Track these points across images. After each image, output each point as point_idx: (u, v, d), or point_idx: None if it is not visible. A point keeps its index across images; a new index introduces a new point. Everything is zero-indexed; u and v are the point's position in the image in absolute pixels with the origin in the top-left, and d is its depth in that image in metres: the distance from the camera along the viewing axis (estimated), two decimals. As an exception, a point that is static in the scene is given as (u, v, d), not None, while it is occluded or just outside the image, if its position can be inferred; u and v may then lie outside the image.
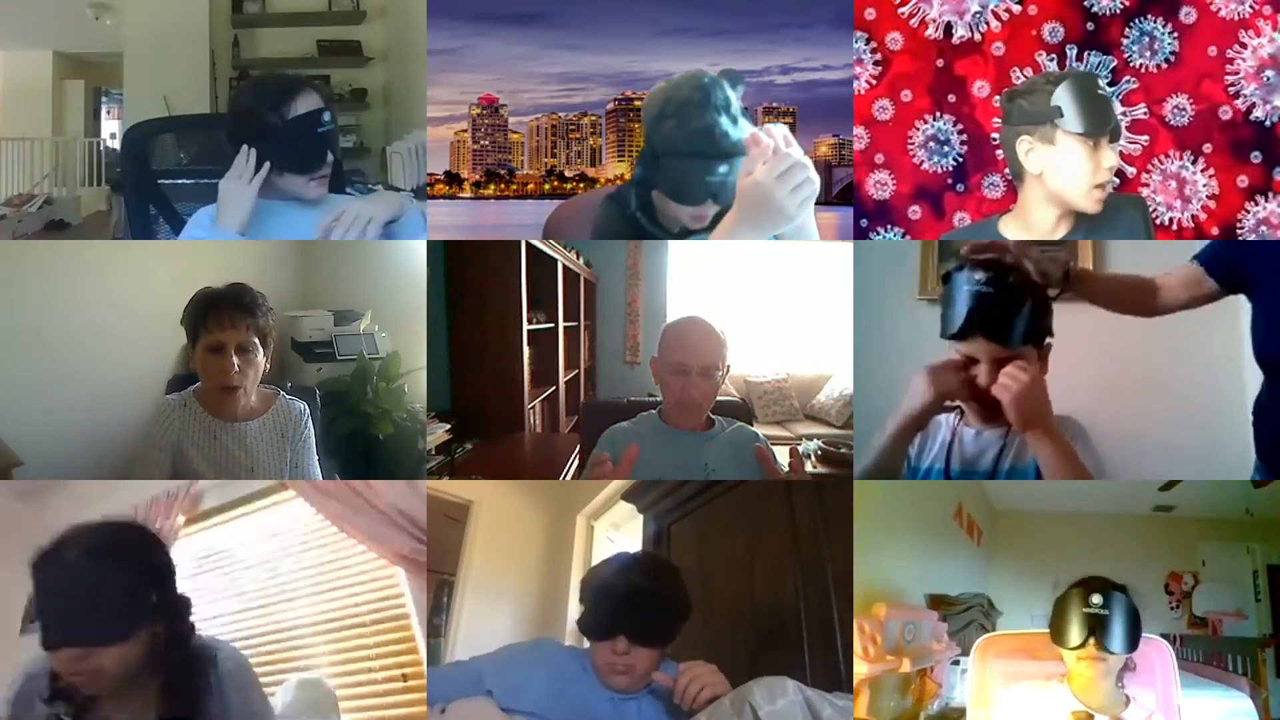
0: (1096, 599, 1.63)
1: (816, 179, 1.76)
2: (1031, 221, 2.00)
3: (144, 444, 2.06)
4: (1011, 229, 2.02)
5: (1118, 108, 1.97)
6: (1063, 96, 1.90)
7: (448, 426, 3.58)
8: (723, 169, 1.79)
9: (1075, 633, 1.63)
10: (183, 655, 1.48)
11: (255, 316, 1.98)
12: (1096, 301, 1.94)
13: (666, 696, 1.58)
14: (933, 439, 1.86)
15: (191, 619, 1.53)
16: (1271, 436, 1.94)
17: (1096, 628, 1.62)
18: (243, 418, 2.06)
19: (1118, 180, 2.01)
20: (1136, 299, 2.02)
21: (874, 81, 2.55)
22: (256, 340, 1.98)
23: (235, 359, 1.96)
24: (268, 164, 1.99)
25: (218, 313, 1.95)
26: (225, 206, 2.00)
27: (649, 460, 2.00)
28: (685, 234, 1.92)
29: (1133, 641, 1.64)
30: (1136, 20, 2.43)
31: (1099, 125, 1.91)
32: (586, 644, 1.76)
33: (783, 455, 2.05)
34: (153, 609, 1.45)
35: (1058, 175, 1.94)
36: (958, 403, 1.81)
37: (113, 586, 1.43)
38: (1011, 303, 1.65)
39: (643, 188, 1.91)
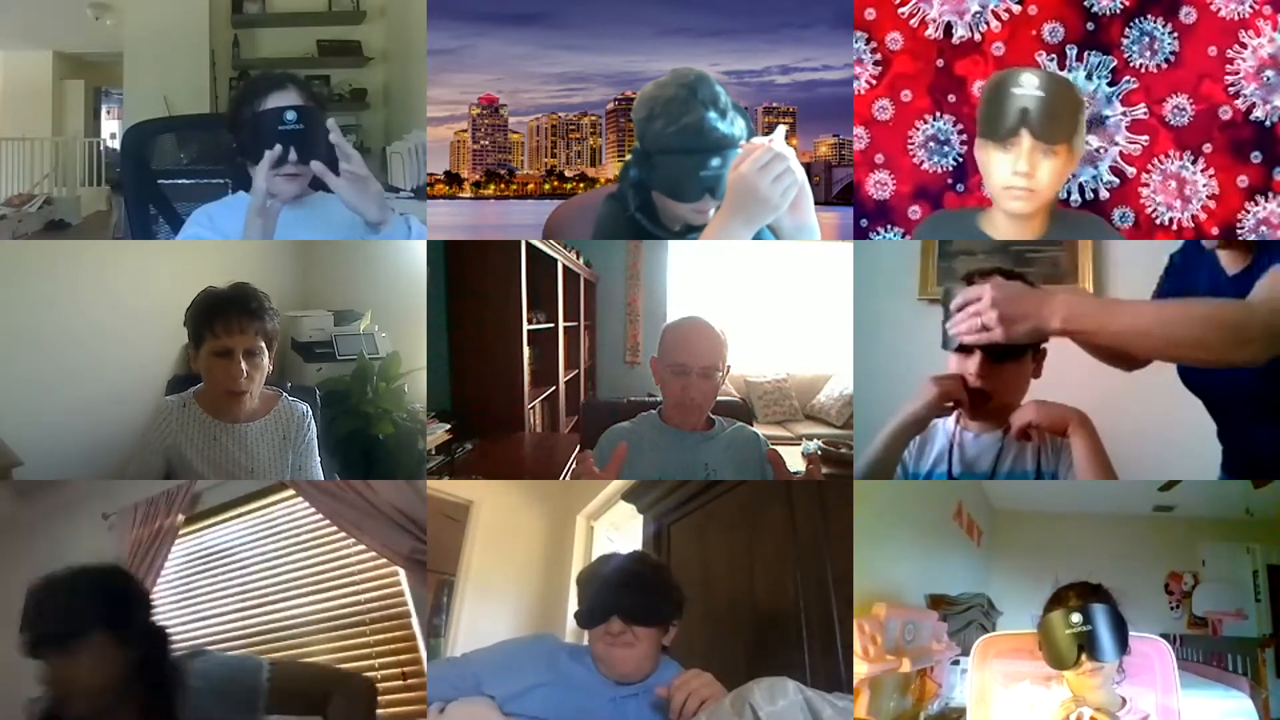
0: (1076, 618, 1.62)
1: (799, 170, 1.78)
2: (995, 221, 1.99)
3: (140, 445, 2.04)
4: (987, 225, 2.01)
5: (1029, 100, 1.82)
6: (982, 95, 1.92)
7: (448, 426, 3.58)
8: (715, 162, 1.80)
9: (1065, 655, 1.63)
10: (159, 679, 1.61)
11: (263, 320, 1.95)
12: (1094, 354, 1.91)
13: (665, 708, 1.57)
14: (932, 443, 1.87)
15: (169, 647, 1.67)
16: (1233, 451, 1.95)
17: (1085, 644, 1.62)
18: (244, 419, 2.04)
19: (1026, 185, 1.87)
20: (1122, 353, 1.98)
21: (874, 81, 2.55)
22: (263, 344, 1.96)
23: (243, 364, 1.93)
24: (262, 179, 1.96)
25: (225, 317, 1.92)
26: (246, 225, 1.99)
27: (649, 460, 2.00)
28: (687, 232, 1.92)
29: (1123, 644, 1.64)
30: (1136, 20, 2.43)
31: (994, 128, 1.87)
32: (586, 640, 1.76)
33: (791, 457, 2.06)
34: (111, 621, 1.60)
35: (983, 176, 1.95)
36: (954, 405, 1.82)
37: (77, 602, 1.62)
38: None
39: (640, 189, 1.91)
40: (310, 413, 2.15)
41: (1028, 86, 1.86)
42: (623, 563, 1.77)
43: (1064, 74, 2.06)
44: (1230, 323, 1.57)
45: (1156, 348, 1.63)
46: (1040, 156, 1.86)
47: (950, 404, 1.77)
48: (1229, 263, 1.88)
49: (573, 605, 3.11)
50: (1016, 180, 1.87)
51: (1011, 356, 1.73)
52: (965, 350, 1.73)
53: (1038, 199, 1.90)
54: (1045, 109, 1.85)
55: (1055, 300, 1.59)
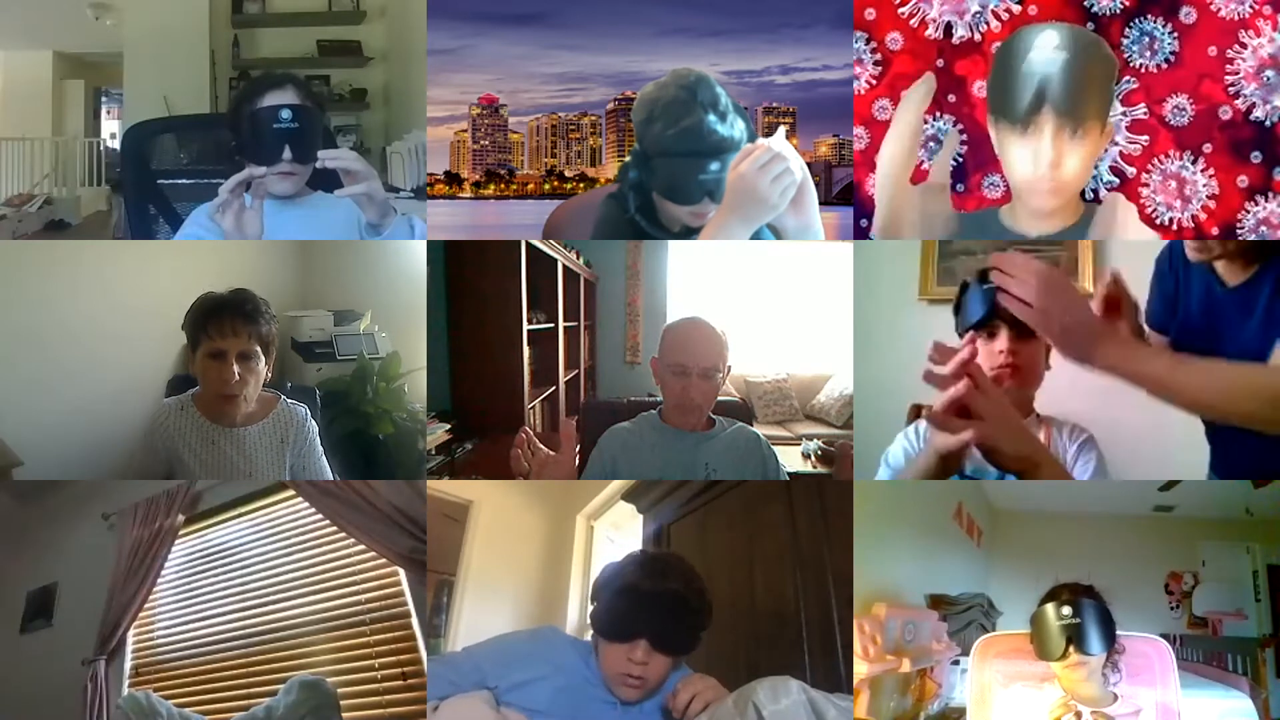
0: (1066, 610, 1.68)
1: (798, 170, 1.76)
2: (1018, 214, 1.85)
3: (141, 447, 2.04)
4: (1010, 219, 1.89)
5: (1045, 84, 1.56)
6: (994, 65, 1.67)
7: (448, 426, 3.58)
8: (714, 166, 1.79)
9: (1053, 646, 1.68)
10: None
11: (258, 324, 1.95)
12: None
13: (668, 712, 1.56)
14: None
15: None
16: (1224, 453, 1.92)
17: (1073, 636, 1.67)
18: (242, 423, 2.03)
19: (1053, 180, 1.64)
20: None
21: (874, 81, 2.55)
22: (258, 348, 1.95)
23: (236, 367, 1.92)
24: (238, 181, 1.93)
25: (219, 320, 1.92)
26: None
27: (649, 460, 2.01)
28: (687, 233, 1.92)
29: (1109, 639, 1.69)
30: (1136, 20, 2.43)
31: (1008, 106, 1.61)
32: (588, 635, 1.73)
33: (791, 457, 2.06)
34: None
35: (1002, 163, 1.74)
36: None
37: None
38: None
39: (639, 190, 1.91)
40: (309, 415, 2.14)
41: (1045, 48, 1.57)
42: (665, 581, 1.59)
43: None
44: (1257, 390, 1.48)
45: (1183, 404, 1.51)
46: (1067, 142, 1.62)
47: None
48: (1227, 274, 1.76)
49: (574, 604, 3.13)
50: (1040, 175, 1.65)
51: (1031, 334, 1.63)
52: (989, 331, 1.69)
53: (1067, 192, 1.70)
54: (1070, 77, 1.57)
55: (1109, 339, 1.45)
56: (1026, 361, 1.73)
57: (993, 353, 1.73)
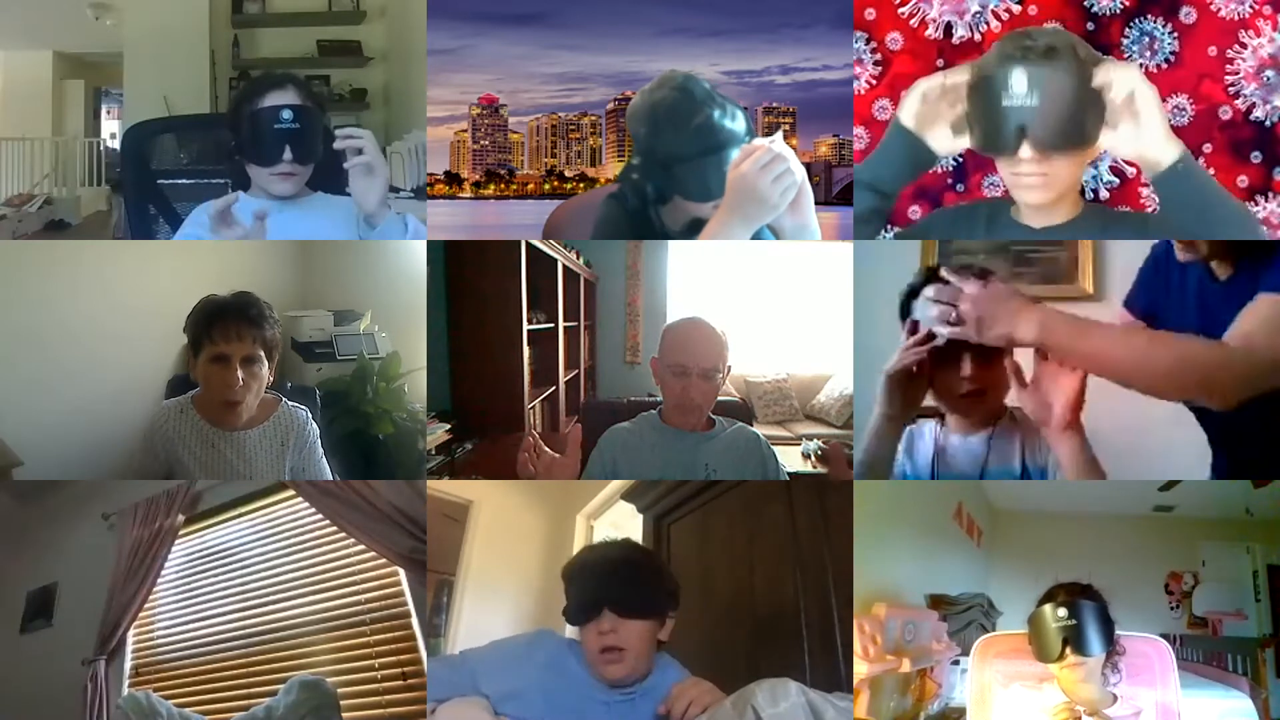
0: (1062, 612, 1.67)
1: (799, 170, 1.76)
2: (1020, 209, 1.88)
3: (140, 449, 2.03)
4: (1015, 214, 1.90)
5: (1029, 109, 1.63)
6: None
7: (448, 426, 3.58)
8: (733, 155, 1.80)
9: (1051, 648, 1.67)
10: None
11: (263, 329, 1.92)
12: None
13: (664, 718, 1.56)
14: (917, 450, 1.87)
15: None
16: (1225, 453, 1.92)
17: (1070, 638, 1.66)
18: (242, 427, 2.01)
19: (1038, 171, 1.71)
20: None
21: (874, 81, 2.55)
22: (263, 353, 1.93)
23: (240, 372, 1.90)
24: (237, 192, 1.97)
25: (224, 324, 1.89)
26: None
27: (649, 460, 2.01)
28: (688, 232, 1.92)
29: (1107, 639, 1.67)
30: (1136, 20, 2.43)
31: (990, 142, 1.70)
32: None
33: (791, 457, 2.06)
34: None
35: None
36: (941, 409, 1.82)
37: None
38: None
39: (659, 202, 1.90)
40: (310, 417, 2.12)
41: (1018, 94, 1.63)
42: (610, 552, 1.72)
43: (1066, 44, 1.67)
44: (1205, 365, 1.53)
45: (1125, 378, 1.57)
46: (1051, 157, 1.68)
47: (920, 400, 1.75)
48: (1220, 269, 1.78)
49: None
50: (1030, 184, 1.73)
51: (996, 353, 1.68)
52: (951, 356, 1.70)
53: (1056, 186, 1.74)
54: (1047, 117, 1.63)
55: (1031, 312, 1.56)
56: (990, 384, 1.73)
57: (957, 378, 1.72)
